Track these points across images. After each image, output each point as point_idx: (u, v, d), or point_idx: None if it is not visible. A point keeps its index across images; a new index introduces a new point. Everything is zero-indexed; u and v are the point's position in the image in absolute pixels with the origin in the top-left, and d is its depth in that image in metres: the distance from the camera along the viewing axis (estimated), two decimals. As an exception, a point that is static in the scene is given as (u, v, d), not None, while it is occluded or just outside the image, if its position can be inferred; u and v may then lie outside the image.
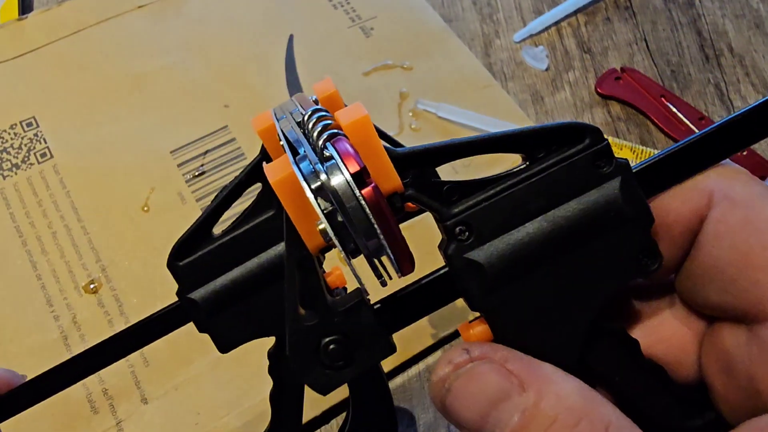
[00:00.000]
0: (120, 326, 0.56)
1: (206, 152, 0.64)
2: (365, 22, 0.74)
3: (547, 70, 0.75)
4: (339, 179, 0.28)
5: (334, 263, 0.56)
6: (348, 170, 0.28)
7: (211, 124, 0.65)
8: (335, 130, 0.30)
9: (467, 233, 0.31)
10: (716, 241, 0.29)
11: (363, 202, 0.28)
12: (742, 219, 0.29)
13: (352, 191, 0.28)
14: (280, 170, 0.29)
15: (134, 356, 0.55)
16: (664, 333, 0.34)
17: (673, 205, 0.31)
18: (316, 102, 0.35)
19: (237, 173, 0.62)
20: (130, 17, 0.72)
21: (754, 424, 0.27)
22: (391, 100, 0.69)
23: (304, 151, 0.29)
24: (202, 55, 0.70)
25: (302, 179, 0.28)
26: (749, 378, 0.29)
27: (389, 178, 0.30)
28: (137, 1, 0.73)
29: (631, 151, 0.65)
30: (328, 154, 0.29)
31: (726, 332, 0.31)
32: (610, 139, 0.66)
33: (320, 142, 0.29)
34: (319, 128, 0.30)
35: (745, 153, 0.69)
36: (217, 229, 0.40)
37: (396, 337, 0.56)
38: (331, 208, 0.28)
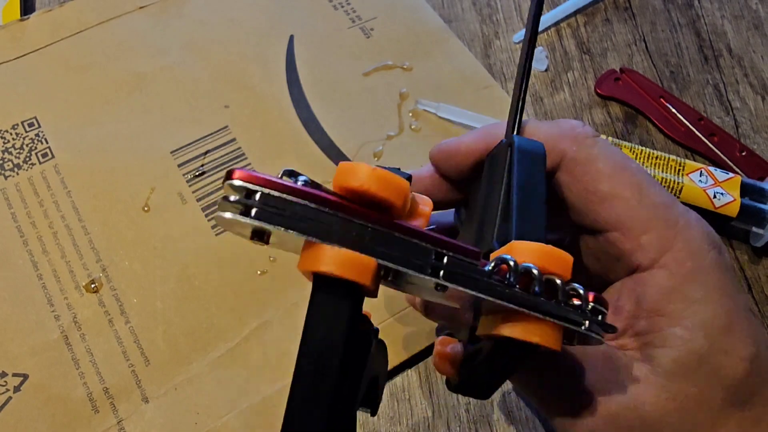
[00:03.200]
0: (120, 326, 0.55)
1: (206, 152, 0.63)
2: (365, 23, 0.74)
3: (546, 70, 0.74)
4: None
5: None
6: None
7: (212, 124, 0.65)
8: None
9: None
10: (567, 187, 0.40)
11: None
12: (580, 172, 0.39)
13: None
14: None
15: (135, 355, 0.55)
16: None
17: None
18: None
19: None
20: (131, 18, 0.72)
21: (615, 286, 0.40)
22: (391, 101, 0.69)
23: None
24: (203, 55, 0.70)
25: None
26: (606, 259, 0.41)
27: None
28: (138, 2, 0.72)
29: (631, 151, 0.64)
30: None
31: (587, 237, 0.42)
32: (610, 139, 0.65)
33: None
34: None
35: (744, 153, 0.69)
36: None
37: (396, 337, 0.55)
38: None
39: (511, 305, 0.30)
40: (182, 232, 0.60)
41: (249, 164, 0.63)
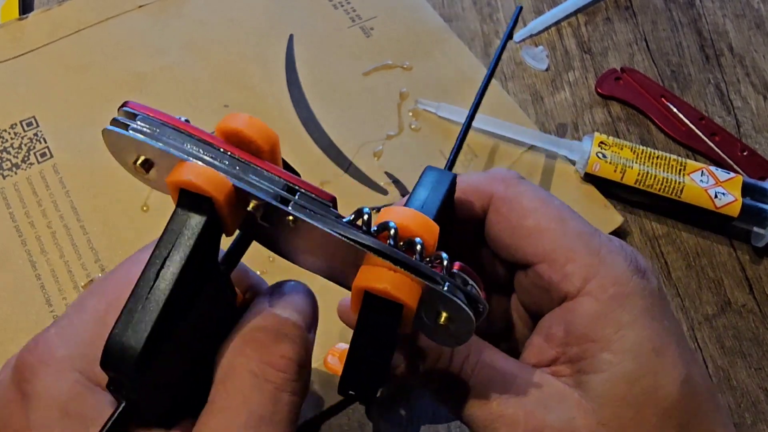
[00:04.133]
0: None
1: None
2: (365, 22, 0.74)
3: (547, 70, 0.74)
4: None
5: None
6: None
7: (211, 124, 0.63)
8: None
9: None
10: (496, 225, 0.41)
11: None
12: (507, 209, 0.41)
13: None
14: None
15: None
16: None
17: (470, 199, 0.42)
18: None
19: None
20: (130, 17, 0.71)
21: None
22: (391, 100, 0.69)
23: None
24: (203, 55, 0.69)
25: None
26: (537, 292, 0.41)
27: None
28: (138, 1, 0.72)
29: (632, 151, 0.64)
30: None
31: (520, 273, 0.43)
32: (611, 139, 0.65)
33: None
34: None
35: (745, 153, 0.68)
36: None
37: None
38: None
39: (356, 243, 0.32)
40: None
41: (248, 165, 0.62)
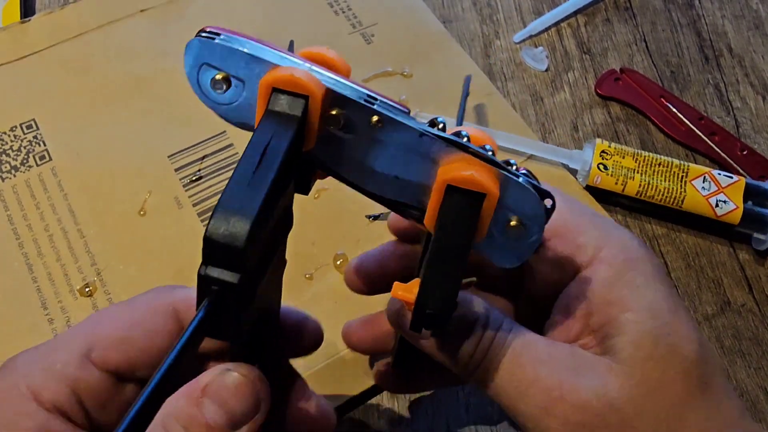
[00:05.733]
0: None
1: (204, 157, 0.61)
2: (366, 29, 0.72)
3: (546, 70, 0.73)
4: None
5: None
6: None
7: (210, 128, 0.63)
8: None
9: None
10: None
11: None
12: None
13: None
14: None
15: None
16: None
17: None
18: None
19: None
20: (132, 21, 0.69)
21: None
22: (391, 107, 0.67)
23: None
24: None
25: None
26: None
27: None
28: (140, 5, 0.70)
29: (633, 158, 0.62)
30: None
31: None
32: (612, 146, 0.64)
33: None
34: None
35: (745, 152, 0.67)
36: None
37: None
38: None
39: (440, 139, 0.32)
40: (178, 237, 0.58)
41: (247, 168, 0.61)
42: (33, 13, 0.72)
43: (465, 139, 0.33)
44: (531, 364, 0.36)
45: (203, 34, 0.32)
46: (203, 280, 0.28)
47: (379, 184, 0.35)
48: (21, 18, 0.70)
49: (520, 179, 0.32)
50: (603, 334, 0.37)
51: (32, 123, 0.62)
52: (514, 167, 0.33)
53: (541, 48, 0.74)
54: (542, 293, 0.42)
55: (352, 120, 0.33)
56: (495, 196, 0.32)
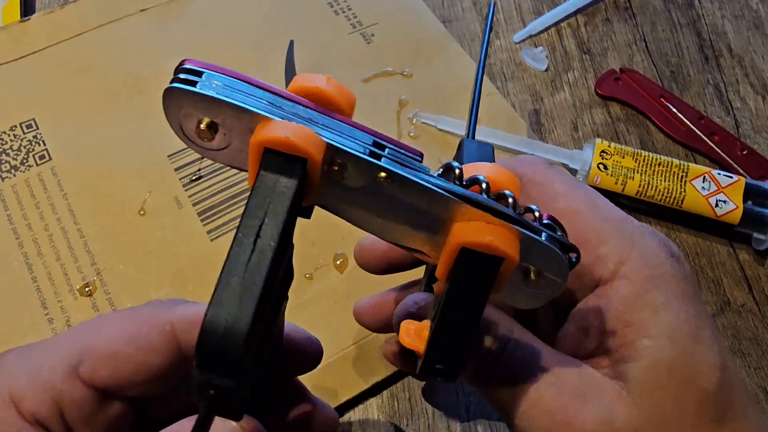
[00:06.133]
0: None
1: (203, 157, 0.61)
2: (366, 29, 0.71)
3: (546, 70, 0.72)
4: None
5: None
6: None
7: None
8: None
9: None
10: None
11: None
12: (537, 192, 0.39)
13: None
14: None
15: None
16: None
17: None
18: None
19: (233, 178, 0.60)
20: (132, 21, 0.69)
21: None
22: (390, 108, 0.66)
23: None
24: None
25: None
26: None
27: None
28: (139, 5, 0.70)
29: (633, 158, 0.62)
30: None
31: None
32: (612, 146, 0.63)
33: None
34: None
35: (745, 152, 0.67)
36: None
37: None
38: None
39: (455, 196, 0.30)
40: (178, 237, 0.58)
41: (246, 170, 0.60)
42: (33, 12, 0.71)
43: (484, 186, 0.30)
44: (536, 384, 0.35)
45: (182, 76, 0.30)
46: (200, 385, 0.27)
47: (386, 231, 0.33)
48: (21, 17, 0.69)
49: (543, 237, 0.30)
50: (617, 357, 0.36)
51: (32, 123, 0.62)
52: (537, 214, 0.31)
53: (541, 48, 0.73)
54: (558, 300, 0.40)
55: (355, 174, 0.30)
56: (514, 261, 0.30)
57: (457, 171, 0.31)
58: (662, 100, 0.70)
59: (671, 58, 0.74)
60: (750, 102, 0.72)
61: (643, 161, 0.62)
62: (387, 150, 0.30)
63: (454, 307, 0.31)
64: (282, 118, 0.29)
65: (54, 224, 0.58)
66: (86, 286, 0.55)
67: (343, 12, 0.72)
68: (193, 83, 0.29)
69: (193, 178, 0.60)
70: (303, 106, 0.30)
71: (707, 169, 0.62)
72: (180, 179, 0.60)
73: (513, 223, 0.30)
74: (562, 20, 0.76)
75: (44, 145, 0.61)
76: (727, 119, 0.70)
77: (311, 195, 0.30)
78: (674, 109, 0.69)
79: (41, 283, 0.55)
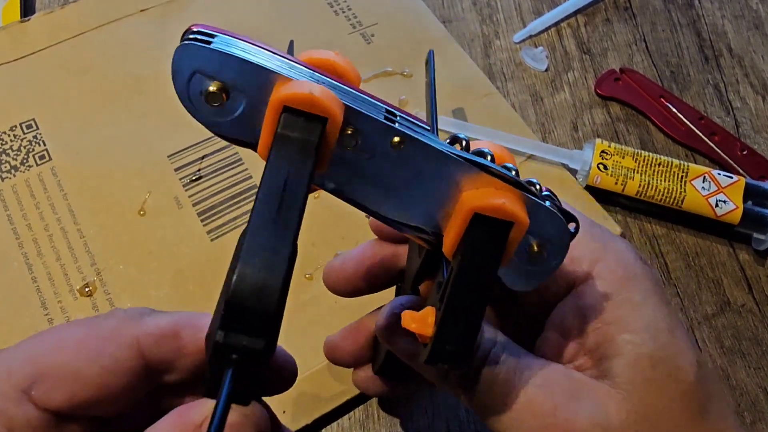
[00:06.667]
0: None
1: (203, 157, 0.61)
2: (366, 29, 0.71)
3: (546, 70, 0.72)
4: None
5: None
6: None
7: None
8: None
9: None
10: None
11: None
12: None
13: None
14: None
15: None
16: None
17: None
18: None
19: (233, 178, 0.60)
20: (132, 21, 0.69)
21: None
22: (391, 108, 0.66)
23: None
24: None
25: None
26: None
27: None
28: (139, 5, 0.70)
29: (633, 158, 0.62)
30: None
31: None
32: (612, 146, 0.63)
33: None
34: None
35: (745, 152, 0.67)
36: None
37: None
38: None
39: (467, 161, 0.30)
40: (178, 237, 0.58)
41: (246, 169, 0.61)
42: (33, 12, 0.71)
43: (489, 158, 0.30)
44: (525, 387, 0.34)
45: (194, 36, 0.28)
46: (221, 348, 0.25)
47: (391, 206, 0.32)
48: (21, 17, 0.69)
49: (547, 204, 0.30)
50: (599, 355, 0.36)
51: (32, 123, 0.62)
52: (538, 187, 0.31)
53: (541, 48, 0.73)
54: (534, 306, 0.40)
55: (369, 140, 0.29)
56: (525, 225, 0.30)
57: (464, 142, 0.31)
58: (662, 100, 0.70)
59: (671, 58, 0.74)
60: (750, 102, 0.72)
61: (643, 161, 0.62)
62: (399, 117, 0.30)
63: (465, 279, 0.30)
64: (302, 79, 0.28)
65: (54, 224, 0.57)
66: (86, 286, 0.55)
67: (343, 12, 0.72)
68: (207, 42, 0.28)
69: (193, 178, 0.60)
70: (318, 73, 0.29)
71: (707, 169, 0.62)
72: (180, 179, 0.60)
73: (520, 189, 0.30)
74: (562, 20, 0.76)
75: (44, 145, 0.61)
76: (727, 119, 0.70)
77: (323, 161, 0.29)
78: (674, 109, 0.69)
79: (41, 284, 0.55)
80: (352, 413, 0.54)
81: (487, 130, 0.64)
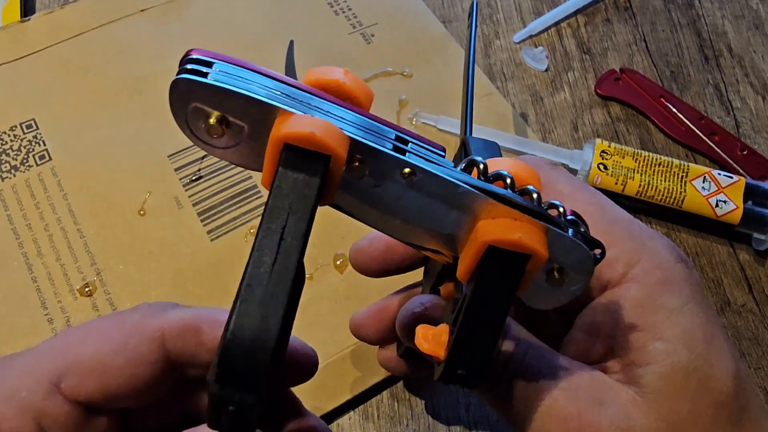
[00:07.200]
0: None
1: (203, 157, 0.61)
2: (366, 29, 0.71)
3: (546, 70, 0.72)
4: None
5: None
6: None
7: None
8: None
9: None
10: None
11: None
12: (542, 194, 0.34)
13: None
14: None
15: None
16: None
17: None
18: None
19: (233, 178, 0.60)
20: (132, 21, 0.69)
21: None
22: (391, 108, 0.66)
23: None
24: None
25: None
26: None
27: None
28: (139, 5, 0.69)
29: (633, 158, 0.62)
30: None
31: None
32: (613, 146, 0.63)
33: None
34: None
35: (745, 152, 0.67)
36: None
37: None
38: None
39: (482, 192, 0.28)
40: (178, 237, 0.58)
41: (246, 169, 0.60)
42: (33, 12, 0.71)
43: (509, 181, 0.29)
44: (548, 389, 0.34)
45: (191, 67, 0.27)
46: (217, 401, 0.25)
47: (403, 231, 0.31)
48: (21, 17, 0.69)
49: (570, 233, 0.29)
50: (629, 361, 0.35)
51: (32, 123, 0.62)
52: (561, 210, 0.30)
53: (541, 48, 0.73)
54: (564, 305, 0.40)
55: (377, 171, 0.28)
56: (543, 258, 0.29)
57: (481, 166, 0.30)
58: (662, 100, 0.70)
59: (671, 58, 0.74)
60: (750, 102, 0.71)
61: (643, 161, 0.62)
62: (410, 145, 0.29)
63: (478, 309, 0.30)
64: (303, 112, 0.27)
65: (54, 224, 0.57)
66: (86, 286, 0.55)
67: (343, 12, 0.72)
68: (204, 74, 0.27)
69: (193, 178, 0.60)
70: (322, 98, 0.28)
71: (707, 169, 0.62)
72: (180, 179, 0.60)
73: (540, 219, 0.29)
74: (562, 20, 0.75)
75: (44, 145, 0.61)
76: (727, 119, 0.70)
77: (330, 195, 0.29)
78: (674, 109, 0.69)
79: (41, 283, 0.55)
80: (352, 413, 0.54)
81: (487, 130, 0.64)
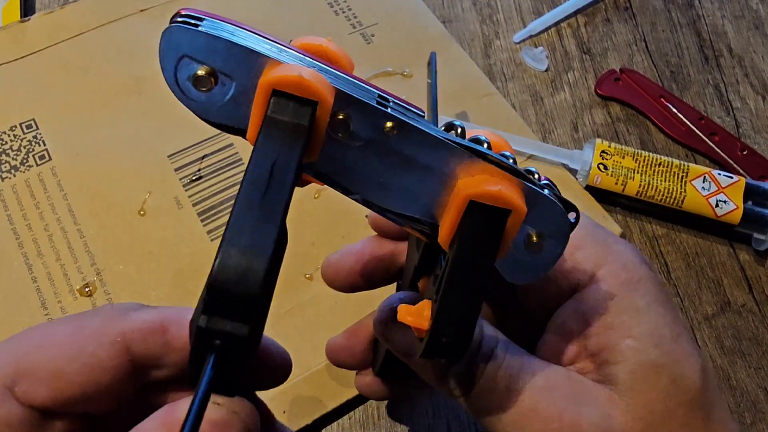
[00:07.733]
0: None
1: (204, 157, 0.61)
2: (366, 29, 0.71)
3: (546, 70, 0.72)
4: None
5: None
6: None
7: (209, 128, 0.61)
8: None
9: None
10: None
11: None
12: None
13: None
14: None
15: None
16: None
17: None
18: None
19: (233, 178, 0.60)
20: (132, 21, 0.69)
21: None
22: (391, 108, 0.66)
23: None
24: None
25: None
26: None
27: None
28: (139, 5, 0.69)
29: (633, 158, 0.62)
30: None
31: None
32: (612, 146, 0.63)
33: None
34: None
35: (745, 152, 0.67)
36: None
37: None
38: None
39: (463, 147, 0.29)
40: (178, 237, 0.58)
41: (246, 169, 0.60)
42: (33, 12, 0.71)
43: (486, 146, 0.30)
44: (528, 391, 0.34)
45: (182, 20, 0.28)
46: (204, 334, 0.24)
47: (385, 196, 0.31)
48: (21, 17, 0.69)
49: (546, 192, 0.29)
50: (601, 360, 0.35)
51: (32, 123, 0.62)
52: (536, 176, 0.30)
53: (541, 48, 0.73)
54: (535, 308, 0.39)
55: (361, 126, 0.28)
56: (522, 212, 0.29)
57: (459, 129, 0.30)
58: (662, 100, 0.70)
59: (671, 58, 0.74)
60: (750, 102, 0.71)
61: (643, 161, 0.62)
62: (391, 102, 0.29)
63: (462, 269, 0.29)
64: (292, 62, 0.27)
65: (54, 224, 0.57)
66: (86, 286, 0.55)
67: (343, 12, 0.72)
68: (196, 25, 0.27)
69: (193, 178, 0.60)
70: (309, 57, 0.28)
71: (707, 169, 0.62)
72: (180, 179, 0.60)
73: (518, 177, 0.29)
74: (562, 20, 0.76)
75: (44, 145, 0.61)
76: (727, 119, 0.70)
77: (315, 149, 0.28)
78: (674, 109, 0.69)
79: (41, 283, 0.55)
80: (352, 413, 0.54)
81: (492, 131, 0.64)
